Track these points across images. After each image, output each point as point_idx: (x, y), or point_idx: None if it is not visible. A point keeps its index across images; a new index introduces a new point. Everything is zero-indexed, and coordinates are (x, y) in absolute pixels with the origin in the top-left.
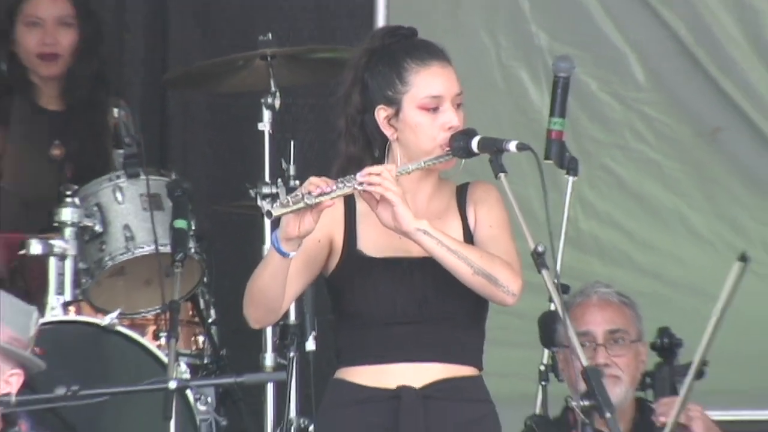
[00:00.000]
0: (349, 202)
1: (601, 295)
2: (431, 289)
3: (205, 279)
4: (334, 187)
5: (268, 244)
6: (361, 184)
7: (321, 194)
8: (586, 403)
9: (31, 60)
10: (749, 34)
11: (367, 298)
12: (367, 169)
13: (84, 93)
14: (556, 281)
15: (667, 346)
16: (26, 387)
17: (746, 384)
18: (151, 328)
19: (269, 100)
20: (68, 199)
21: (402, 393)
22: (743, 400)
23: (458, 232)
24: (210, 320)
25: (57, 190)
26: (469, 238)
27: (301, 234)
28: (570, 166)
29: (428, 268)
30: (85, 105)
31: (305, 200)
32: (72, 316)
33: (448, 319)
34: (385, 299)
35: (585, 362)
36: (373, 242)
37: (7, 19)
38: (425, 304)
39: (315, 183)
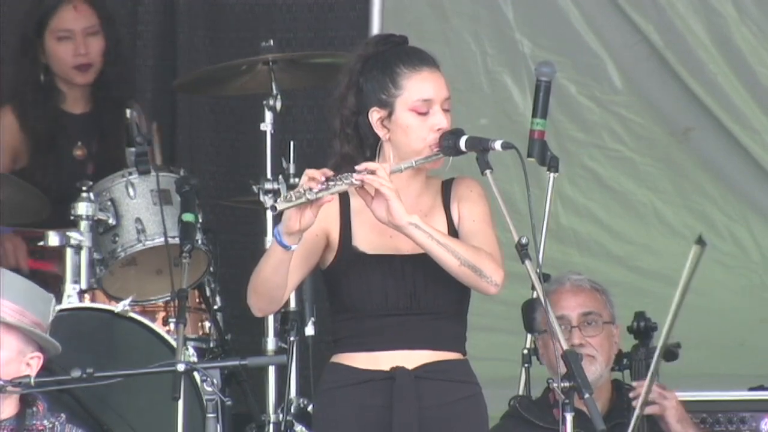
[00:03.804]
0: (344, 198)
1: (573, 281)
2: (420, 284)
3: (211, 269)
4: (332, 183)
5: (269, 236)
6: (358, 180)
7: (321, 190)
8: (566, 384)
9: (66, 71)
10: (716, 38)
11: (361, 292)
12: (364, 165)
13: (113, 96)
14: (538, 271)
15: (642, 329)
16: (44, 370)
17: (716, 368)
18: (161, 315)
19: (271, 102)
20: (84, 194)
21: (396, 374)
22: (713, 382)
23: (443, 227)
24: (216, 307)
25: None
26: (453, 232)
27: (302, 228)
28: (551, 163)
29: (417, 264)
30: (108, 107)
31: (306, 196)
32: (87, 303)
33: (435, 310)
34: (378, 293)
35: (565, 346)
36: (366, 239)
37: (35, 32)
38: (414, 297)
39: (311, 175)
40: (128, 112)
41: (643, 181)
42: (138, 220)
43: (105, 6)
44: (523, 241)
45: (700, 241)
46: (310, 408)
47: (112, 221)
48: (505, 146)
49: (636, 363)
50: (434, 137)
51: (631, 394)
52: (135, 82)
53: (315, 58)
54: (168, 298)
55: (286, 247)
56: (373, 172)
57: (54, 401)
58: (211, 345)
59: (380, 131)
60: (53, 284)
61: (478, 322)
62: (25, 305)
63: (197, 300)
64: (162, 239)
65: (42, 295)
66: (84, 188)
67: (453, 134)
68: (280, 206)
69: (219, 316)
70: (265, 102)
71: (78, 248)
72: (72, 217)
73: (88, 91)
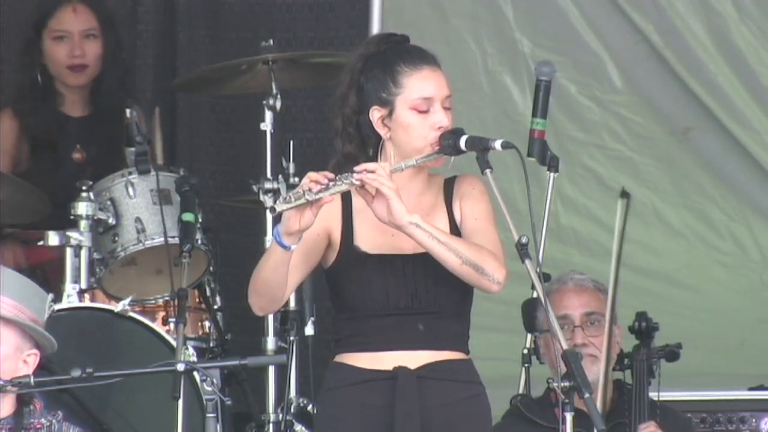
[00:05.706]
0: (346, 198)
1: (576, 281)
2: (421, 284)
3: (211, 268)
4: (333, 183)
5: (269, 236)
6: (358, 180)
7: (321, 191)
8: (566, 383)
9: (60, 71)
10: (716, 38)
11: (362, 292)
12: (363, 166)
13: (111, 100)
14: (538, 270)
15: (644, 329)
16: (42, 369)
17: (716, 368)
18: (161, 314)
19: (271, 101)
20: (83, 194)
21: (398, 374)
22: (713, 382)
23: (444, 225)
24: (216, 307)
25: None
26: (455, 231)
27: (301, 228)
28: (551, 163)
29: (419, 264)
30: (108, 111)
31: (306, 197)
32: (87, 302)
33: (436, 310)
34: (379, 292)
35: (565, 346)
36: (368, 238)
37: (34, 32)
38: (415, 297)
39: (314, 178)
40: (128, 111)
41: (643, 180)
42: (138, 219)
43: (106, 10)
44: (523, 240)
45: (624, 194)
46: (310, 408)
47: (111, 221)
48: (505, 146)
49: (637, 363)
50: (435, 135)
51: None
52: (134, 86)
53: (315, 58)
54: (168, 298)
55: (285, 248)
56: (373, 172)
57: (52, 400)
58: (211, 345)
59: (381, 130)
60: (54, 279)
61: (478, 322)
62: (22, 301)
63: (197, 300)
64: (162, 239)
65: (38, 292)
66: (84, 188)
67: (453, 134)
68: (279, 207)
69: (219, 315)
70: (265, 101)
71: (78, 248)
72: (72, 217)
73: (87, 94)
